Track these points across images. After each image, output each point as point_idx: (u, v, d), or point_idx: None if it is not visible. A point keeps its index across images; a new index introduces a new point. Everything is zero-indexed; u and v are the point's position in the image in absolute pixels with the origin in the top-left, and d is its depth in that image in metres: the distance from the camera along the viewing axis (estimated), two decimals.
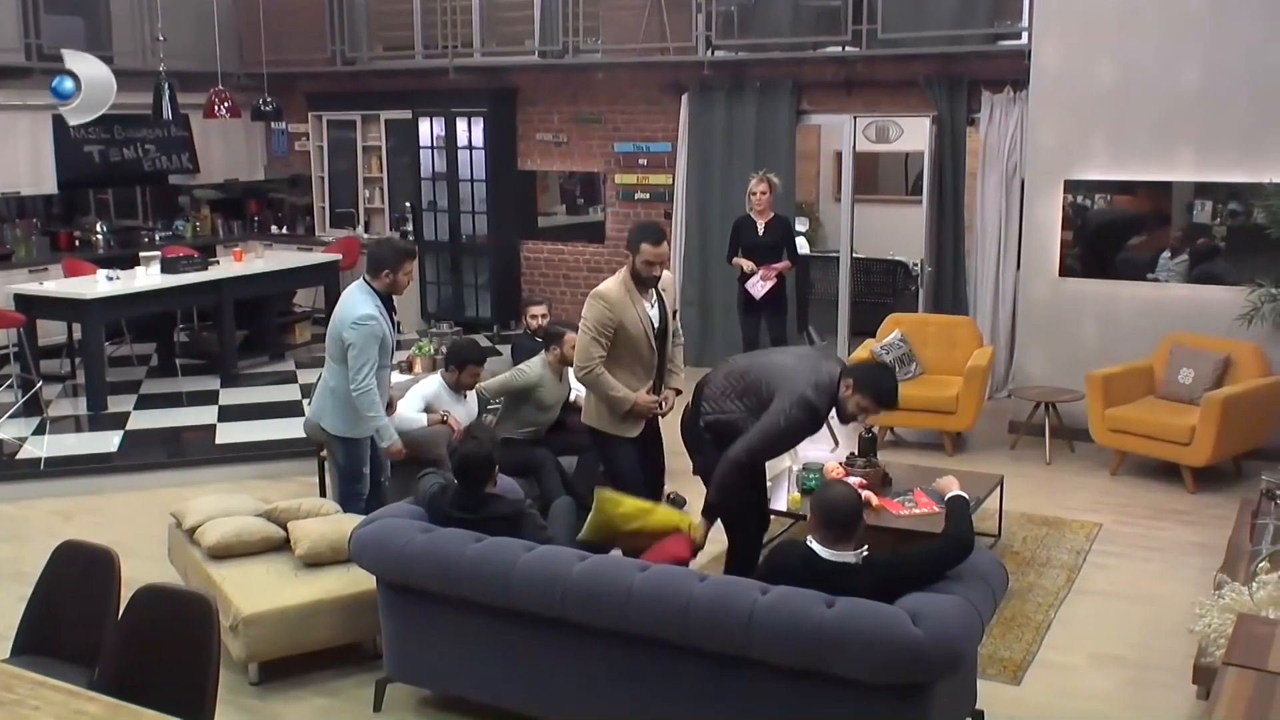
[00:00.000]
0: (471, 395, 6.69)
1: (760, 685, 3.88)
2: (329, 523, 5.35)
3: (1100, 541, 6.57)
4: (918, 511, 5.78)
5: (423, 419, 6.39)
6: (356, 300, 5.60)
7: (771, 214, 8.60)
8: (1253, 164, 7.62)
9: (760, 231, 8.57)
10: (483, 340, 11.65)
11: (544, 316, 7.80)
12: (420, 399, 6.49)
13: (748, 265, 8.50)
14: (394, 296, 5.74)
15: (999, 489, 6.45)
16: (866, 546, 4.05)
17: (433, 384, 6.60)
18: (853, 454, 6.34)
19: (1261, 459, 7.27)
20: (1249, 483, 7.03)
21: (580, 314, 5.52)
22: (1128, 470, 7.73)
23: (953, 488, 4.66)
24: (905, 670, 3.68)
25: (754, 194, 8.54)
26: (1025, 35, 9.01)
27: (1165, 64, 7.85)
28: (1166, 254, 8.05)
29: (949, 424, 8.12)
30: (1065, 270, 8.33)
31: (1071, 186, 8.24)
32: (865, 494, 5.71)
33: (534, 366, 6.64)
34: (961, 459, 7.96)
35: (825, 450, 7.91)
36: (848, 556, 3.98)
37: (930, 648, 3.64)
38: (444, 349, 8.04)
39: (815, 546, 4.03)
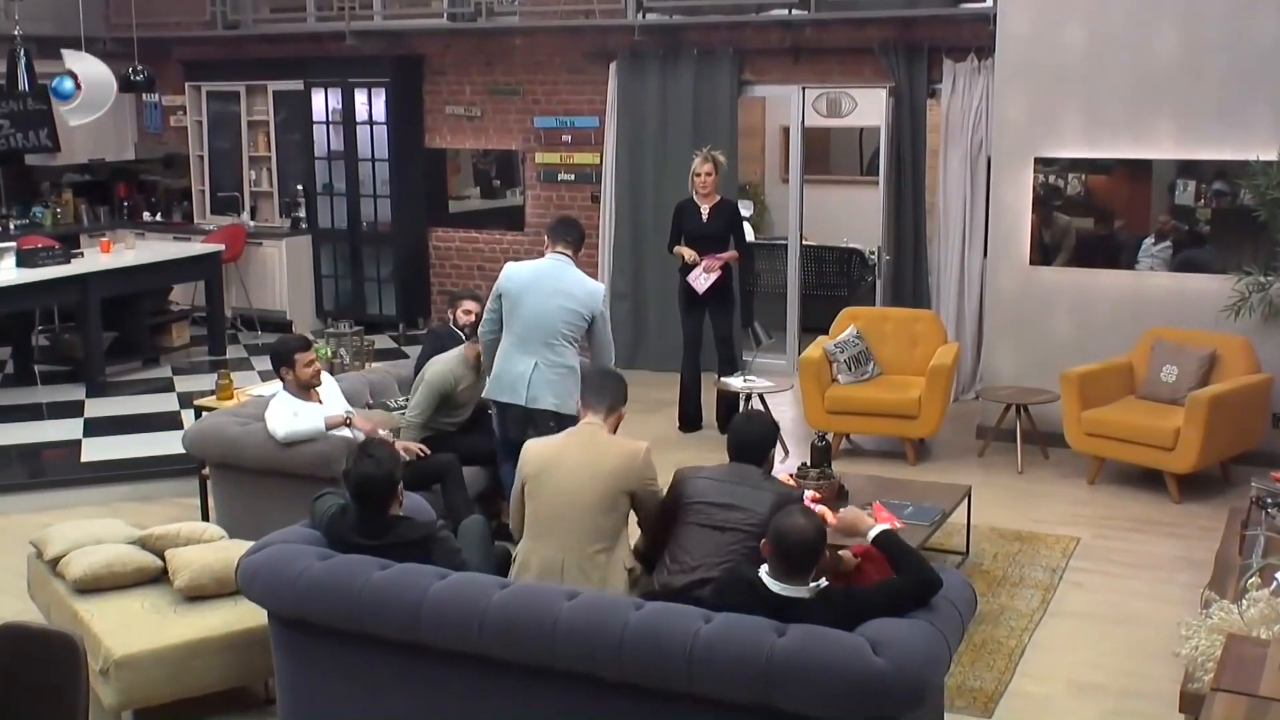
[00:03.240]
0: (330, 387, 6.44)
1: None
2: (212, 550, 5.28)
3: (1078, 557, 6.67)
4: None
5: (320, 423, 6.09)
6: (583, 275, 6.31)
7: (717, 197, 8.62)
8: (1237, 139, 7.76)
9: (704, 217, 8.58)
10: (388, 341, 11.58)
11: (479, 314, 7.62)
12: (288, 414, 6.13)
13: (689, 255, 8.50)
14: None
15: (966, 501, 6.52)
16: (824, 579, 4.08)
17: (281, 401, 6.17)
18: (804, 464, 6.38)
19: (1251, 464, 7.39)
20: (1238, 490, 7.18)
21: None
22: (1107, 478, 7.85)
23: (864, 523, 4.44)
24: (865, 704, 3.70)
25: (698, 175, 8.54)
26: None
27: (1141, 30, 7.98)
28: (1150, 240, 8.19)
29: (910, 430, 8.19)
30: (1036, 258, 8.46)
31: (1042, 165, 8.38)
32: (819, 509, 5.74)
33: (448, 362, 6.56)
34: (925, 468, 8.04)
35: (775, 461, 7.94)
36: (800, 591, 4.00)
37: (893, 679, 3.67)
38: (342, 351, 7.94)
39: (764, 577, 4.05)
